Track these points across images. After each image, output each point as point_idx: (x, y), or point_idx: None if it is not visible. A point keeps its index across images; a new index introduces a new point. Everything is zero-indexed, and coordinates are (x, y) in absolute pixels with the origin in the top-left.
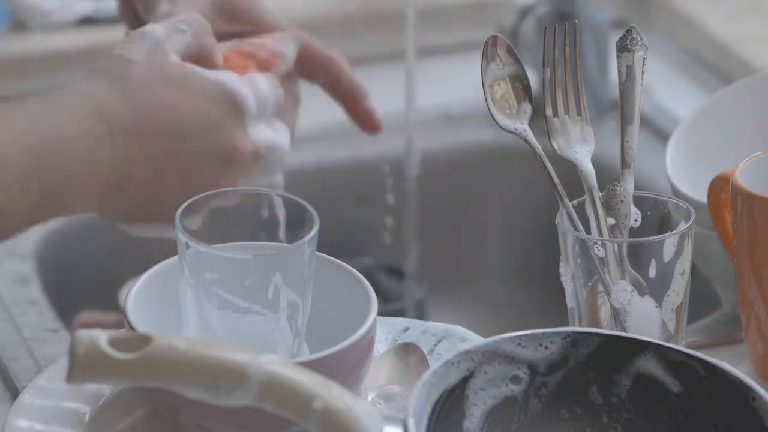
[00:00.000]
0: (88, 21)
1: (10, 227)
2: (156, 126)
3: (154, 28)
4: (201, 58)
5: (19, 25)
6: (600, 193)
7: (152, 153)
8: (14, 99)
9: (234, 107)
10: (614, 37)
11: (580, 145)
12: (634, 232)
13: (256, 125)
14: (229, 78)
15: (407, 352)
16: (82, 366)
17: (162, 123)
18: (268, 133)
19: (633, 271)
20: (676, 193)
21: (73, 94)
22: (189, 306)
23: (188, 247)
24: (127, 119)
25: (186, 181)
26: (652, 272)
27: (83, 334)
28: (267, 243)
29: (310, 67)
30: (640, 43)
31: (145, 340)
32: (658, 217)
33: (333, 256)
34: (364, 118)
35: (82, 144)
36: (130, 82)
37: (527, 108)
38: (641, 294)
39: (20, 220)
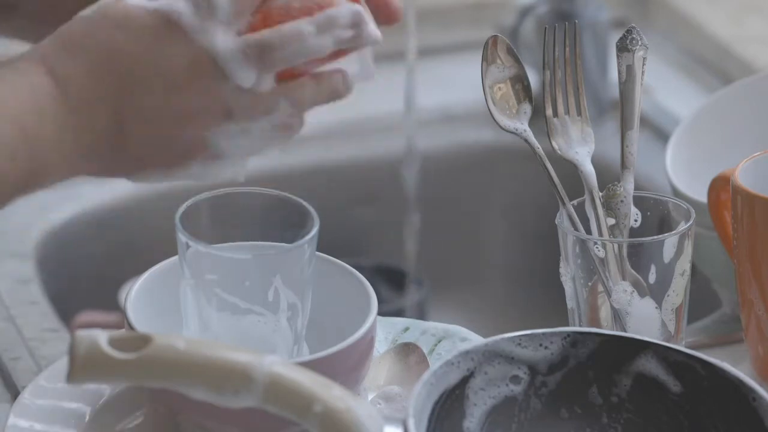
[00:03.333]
0: None
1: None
2: (108, 74)
3: None
4: None
5: None
6: (600, 193)
7: (112, 100)
8: None
9: (174, 27)
10: (614, 37)
11: (581, 146)
12: (634, 232)
13: (211, 31)
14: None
15: (407, 352)
16: (82, 366)
17: (113, 69)
18: (220, 37)
19: (633, 271)
20: (676, 193)
21: (28, 61)
22: (189, 306)
23: (188, 247)
24: (79, 77)
25: (159, 113)
26: (652, 272)
27: (83, 334)
28: (267, 243)
29: None
30: (640, 43)
31: (145, 340)
32: (658, 217)
33: (333, 256)
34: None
35: (47, 110)
36: (76, 36)
37: (527, 108)
38: (642, 295)
39: (10, 190)
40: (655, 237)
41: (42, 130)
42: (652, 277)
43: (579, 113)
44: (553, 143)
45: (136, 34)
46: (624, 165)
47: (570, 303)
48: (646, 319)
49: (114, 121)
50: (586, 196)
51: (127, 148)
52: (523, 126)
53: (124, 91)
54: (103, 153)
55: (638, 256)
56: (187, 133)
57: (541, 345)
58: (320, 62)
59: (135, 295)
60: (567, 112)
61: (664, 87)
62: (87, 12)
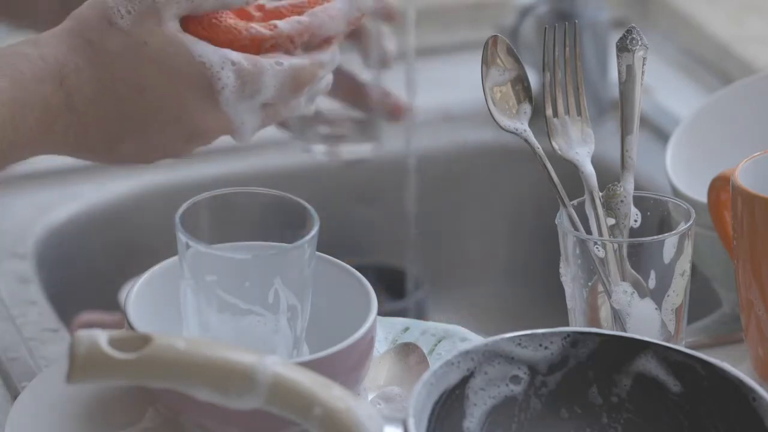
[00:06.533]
0: None
1: None
2: (119, 103)
3: None
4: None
5: None
6: (600, 194)
7: (111, 128)
8: None
9: (208, 91)
10: (614, 37)
11: (581, 146)
12: (634, 232)
13: (237, 106)
14: (215, 57)
15: (407, 352)
16: (82, 366)
17: (126, 101)
18: (244, 117)
19: (633, 271)
20: (676, 193)
21: (38, 58)
22: (189, 306)
23: (188, 247)
24: (89, 94)
25: (144, 152)
26: (652, 272)
27: (83, 334)
28: (267, 243)
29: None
30: (640, 43)
31: (145, 340)
32: (658, 217)
33: (333, 256)
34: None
35: (36, 114)
36: (102, 54)
37: (527, 108)
38: (642, 295)
39: None
40: (655, 237)
41: (21, 130)
42: (652, 278)
43: (579, 113)
44: (553, 143)
45: (170, 78)
46: (624, 166)
47: (570, 303)
48: (646, 320)
49: (111, 137)
50: (586, 197)
51: (114, 160)
52: (523, 126)
53: (134, 118)
54: (87, 153)
55: (638, 256)
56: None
57: (541, 345)
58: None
59: (135, 295)
60: (567, 112)
61: (664, 87)
62: (127, 24)
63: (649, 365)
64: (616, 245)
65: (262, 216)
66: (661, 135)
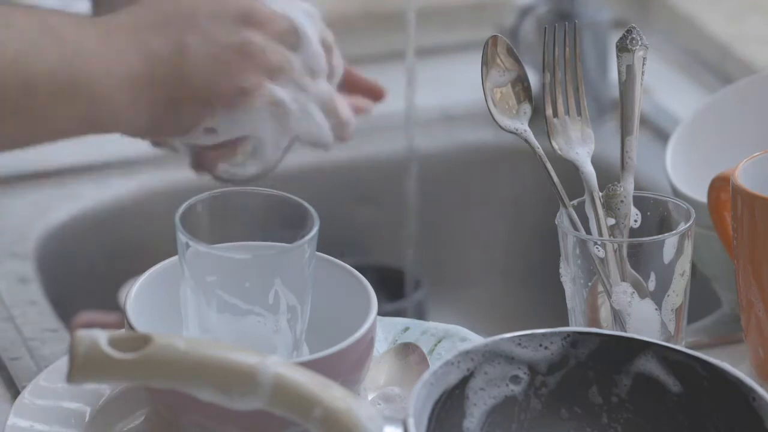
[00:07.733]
0: None
1: (51, 131)
2: (193, 58)
3: None
4: None
5: None
6: (600, 194)
7: (172, 26)
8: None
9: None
10: (614, 37)
11: (581, 146)
12: (634, 233)
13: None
14: None
15: (407, 352)
16: (82, 366)
17: (196, 53)
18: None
19: (633, 271)
20: (676, 193)
21: (125, 32)
22: (189, 307)
23: (188, 247)
24: (173, 63)
25: (221, 39)
26: (652, 273)
27: (83, 334)
28: (267, 243)
29: None
30: (640, 43)
31: (145, 340)
32: (658, 217)
33: (333, 256)
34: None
35: (127, 87)
36: (177, 19)
37: (527, 108)
38: (642, 295)
39: (61, 128)
40: (655, 237)
41: (110, 101)
42: (652, 278)
43: (579, 113)
44: (553, 143)
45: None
46: (624, 166)
47: (570, 303)
48: (646, 320)
49: (173, 45)
50: (586, 197)
51: (186, 73)
52: (523, 126)
53: (188, 20)
54: (162, 79)
55: (638, 257)
56: (242, 68)
57: (541, 345)
58: None
59: (135, 295)
60: (567, 112)
61: (664, 87)
62: None
63: (649, 365)
64: (616, 245)
65: (262, 216)
66: (661, 135)
